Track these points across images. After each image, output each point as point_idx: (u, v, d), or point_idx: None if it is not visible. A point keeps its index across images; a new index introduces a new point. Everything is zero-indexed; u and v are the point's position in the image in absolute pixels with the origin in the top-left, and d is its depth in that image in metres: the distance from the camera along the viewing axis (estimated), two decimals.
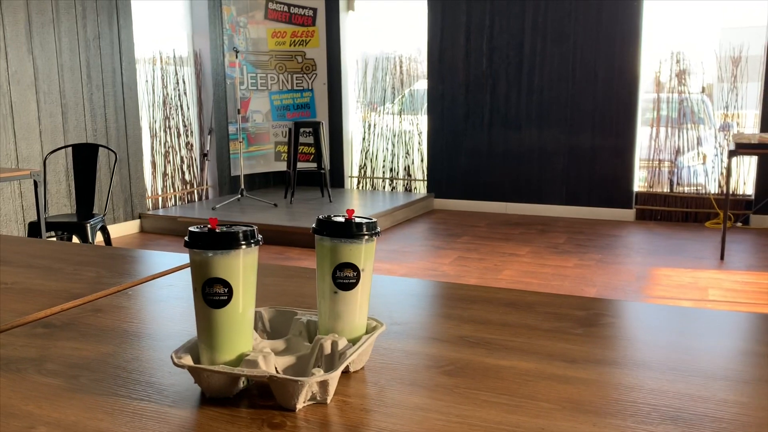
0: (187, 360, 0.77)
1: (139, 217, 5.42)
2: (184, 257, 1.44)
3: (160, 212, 5.54)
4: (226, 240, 0.75)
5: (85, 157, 3.96)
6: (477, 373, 0.83)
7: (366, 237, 0.82)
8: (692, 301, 3.41)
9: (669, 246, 4.72)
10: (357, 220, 0.83)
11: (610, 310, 1.15)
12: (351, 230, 0.81)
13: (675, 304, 3.37)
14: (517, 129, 5.96)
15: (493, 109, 6.03)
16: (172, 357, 0.76)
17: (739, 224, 5.18)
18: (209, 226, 0.77)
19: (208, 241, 0.75)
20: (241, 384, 0.78)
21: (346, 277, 0.82)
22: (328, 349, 0.80)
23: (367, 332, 0.86)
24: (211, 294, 0.76)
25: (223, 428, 0.69)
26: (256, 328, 0.88)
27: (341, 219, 0.83)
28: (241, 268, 0.76)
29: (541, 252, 4.59)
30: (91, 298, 1.16)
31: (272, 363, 0.77)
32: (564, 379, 0.82)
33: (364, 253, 0.83)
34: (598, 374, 0.83)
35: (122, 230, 5.26)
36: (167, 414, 0.72)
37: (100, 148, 4.06)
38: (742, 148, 4.07)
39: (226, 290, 0.76)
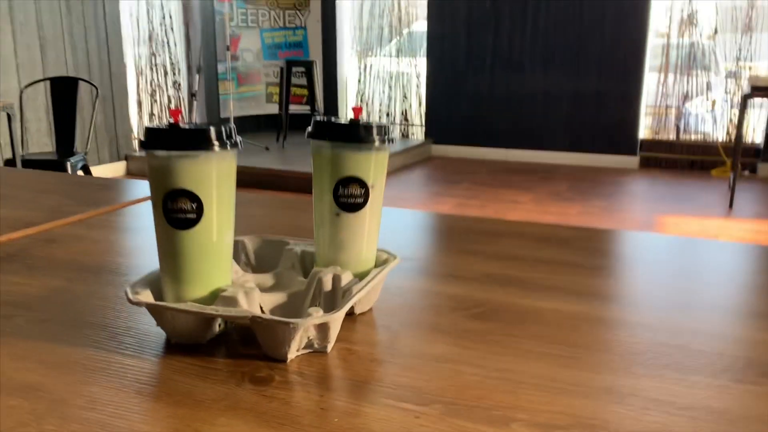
0: (146, 296, 0.60)
1: (125, 159, 5.20)
2: None
3: None
4: (193, 139, 0.57)
5: (64, 92, 3.72)
6: (513, 317, 0.66)
7: (377, 143, 0.64)
8: None
9: (675, 194, 4.56)
10: (365, 120, 0.65)
11: (660, 245, 0.98)
12: (358, 133, 0.63)
13: None
14: (521, 72, 5.71)
15: (496, 52, 5.77)
16: (126, 292, 0.59)
17: (746, 172, 5.02)
18: (171, 119, 0.58)
19: (169, 140, 0.57)
20: (217, 327, 0.61)
21: (351, 196, 0.65)
22: (328, 285, 0.63)
23: (376, 266, 0.69)
24: (176, 211, 0.58)
25: (191, 383, 0.53)
26: (237, 260, 0.70)
27: (345, 121, 0.65)
28: (214, 177, 0.58)
29: (543, 199, 4.43)
30: (45, 227, 0.98)
31: (256, 301, 0.60)
32: (625, 324, 0.65)
33: (374, 165, 0.65)
34: (668, 321, 0.66)
35: (107, 172, 5.05)
36: (120, 365, 0.56)
37: (81, 83, 3.82)
38: (758, 90, 3.86)
39: (194, 206, 0.58)
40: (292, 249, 0.71)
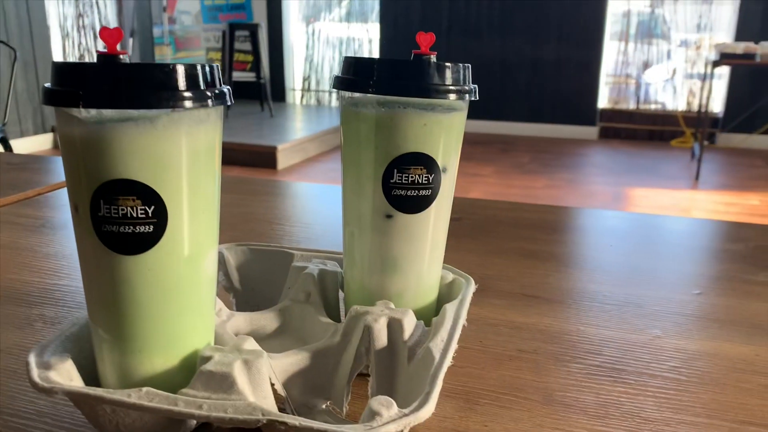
0: (66, 372, 0.33)
1: (52, 131, 4.73)
2: None
3: None
4: (148, 86, 0.30)
5: None
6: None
7: (455, 97, 0.39)
8: None
9: (639, 165, 4.46)
10: (435, 59, 0.39)
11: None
12: (428, 80, 0.38)
13: None
14: (478, 38, 5.47)
15: (452, 16, 5.50)
16: (30, 372, 0.32)
17: (705, 143, 4.97)
18: (103, 49, 0.31)
19: (101, 88, 0.30)
20: (192, 424, 0.35)
21: (412, 185, 0.39)
22: (382, 339, 0.38)
23: (440, 295, 0.44)
24: (115, 220, 0.31)
25: None
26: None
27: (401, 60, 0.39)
28: (186, 157, 0.32)
29: (506, 172, 4.25)
30: None
31: (266, 377, 0.34)
32: None
33: (449, 134, 0.40)
34: None
35: (31, 145, 4.57)
36: None
37: None
38: (726, 58, 3.75)
39: (150, 210, 0.32)
40: (305, 268, 0.45)
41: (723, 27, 5.07)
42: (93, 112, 0.30)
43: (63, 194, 0.85)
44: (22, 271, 0.59)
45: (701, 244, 0.74)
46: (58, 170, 0.99)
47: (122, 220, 0.31)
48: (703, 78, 4.42)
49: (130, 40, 5.34)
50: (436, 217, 0.41)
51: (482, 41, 5.46)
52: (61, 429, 0.36)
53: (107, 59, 0.30)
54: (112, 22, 5.26)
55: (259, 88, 5.50)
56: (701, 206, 3.46)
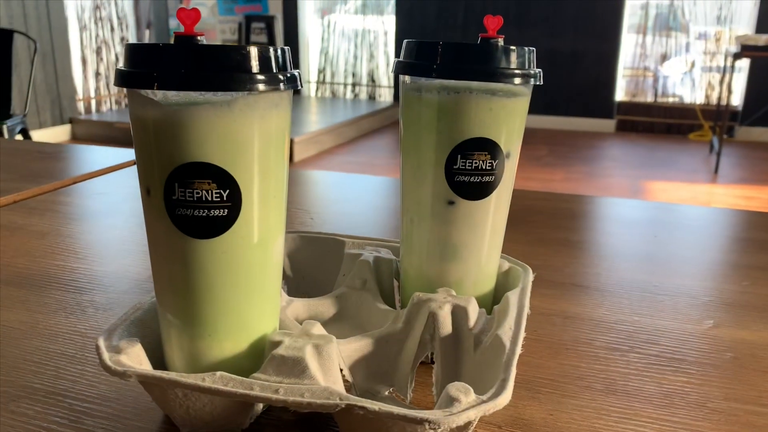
0: (136, 355, 0.33)
1: (70, 122, 4.75)
2: (124, 154, 0.96)
3: (94, 117, 4.87)
4: (226, 68, 0.30)
5: None
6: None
7: (520, 81, 0.38)
8: None
9: (657, 158, 4.42)
10: (502, 42, 0.39)
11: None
12: (494, 64, 0.37)
13: None
14: None
15: (468, 7, 5.47)
16: (102, 356, 0.32)
17: (724, 136, 4.92)
18: (181, 31, 0.31)
19: (176, 70, 0.29)
20: (259, 408, 0.35)
21: (476, 171, 0.39)
22: (447, 326, 0.37)
23: (498, 285, 0.44)
24: (190, 204, 0.31)
25: None
26: None
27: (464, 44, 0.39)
28: (258, 141, 0.32)
29: (523, 164, 4.22)
30: None
31: (336, 363, 0.34)
32: None
33: (512, 119, 0.39)
34: None
35: (50, 136, 4.61)
36: None
37: (17, 36, 3.37)
38: (747, 50, 3.70)
39: (225, 194, 0.31)
40: (360, 255, 0.45)
41: (743, 19, 5.01)
42: (170, 94, 0.30)
43: (100, 182, 0.85)
44: (68, 258, 0.59)
45: (745, 236, 0.73)
46: (90, 159, 1.00)
47: (197, 203, 0.31)
48: (723, 71, 4.37)
49: (147, 32, 5.35)
50: (498, 204, 0.40)
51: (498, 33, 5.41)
52: (127, 411, 0.36)
53: (184, 40, 0.30)
54: (129, 15, 5.28)
55: None
56: (720, 200, 3.43)
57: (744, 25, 5.00)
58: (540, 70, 0.40)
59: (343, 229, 0.70)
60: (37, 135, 4.48)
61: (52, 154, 1.00)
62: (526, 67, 0.38)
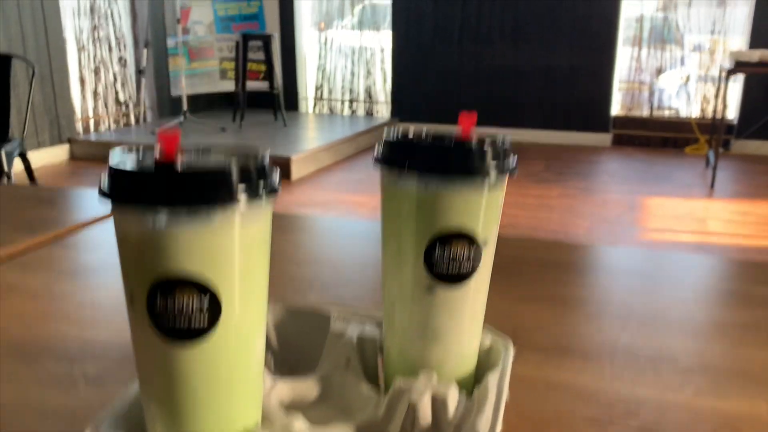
0: None
1: (69, 142, 4.77)
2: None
3: (92, 137, 4.90)
4: (203, 189, 0.31)
5: None
6: None
7: (494, 176, 0.39)
8: (695, 234, 3.13)
9: (654, 173, 4.44)
10: (477, 137, 0.40)
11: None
12: (471, 164, 0.38)
13: (676, 237, 3.10)
14: (490, 46, 5.48)
15: (464, 25, 5.51)
16: None
17: (720, 149, 4.94)
18: (160, 150, 0.32)
19: (157, 191, 0.30)
20: None
21: (453, 260, 0.40)
22: (426, 416, 0.38)
23: (480, 361, 0.45)
24: (171, 313, 0.32)
25: None
26: None
27: (441, 138, 0.40)
28: (238, 250, 0.33)
29: (520, 180, 4.24)
30: None
31: None
32: None
33: (488, 209, 0.40)
34: None
35: (49, 157, 4.62)
36: None
37: (15, 60, 3.40)
38: (741, 66, 3.73)
39: (205, 302, 0.32)
40: (344, 336, 0.46)
41: (737, 30, 5.04)
42: (150, 213, 0.31)
43: (95, 232, 0.86)
44: (60, 322, 0.60)
45: (731, 287, 0.74)
46: (86, 204, 1.01)
47: (178, 313, 0.32)
48: (717, 86, 4.40)
49: (144, 52, 5.39)
50: (476, 290, 0.41)
51: (494, 49, 5.46)
52: None
53: (163, 165, 0.31)
54: (127, 34, 5.31)
55: (272, 98, 5.53)
56: (717, 215, 3.44)
57: (738, 36, 5.04)
58: (515, 156, 0.41)
59: (333, 284, 0.71)
60: (36, 155, 4.49)
61: (49, 200, 1.01)
62: (502, 159, 0.39)
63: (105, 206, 1.05)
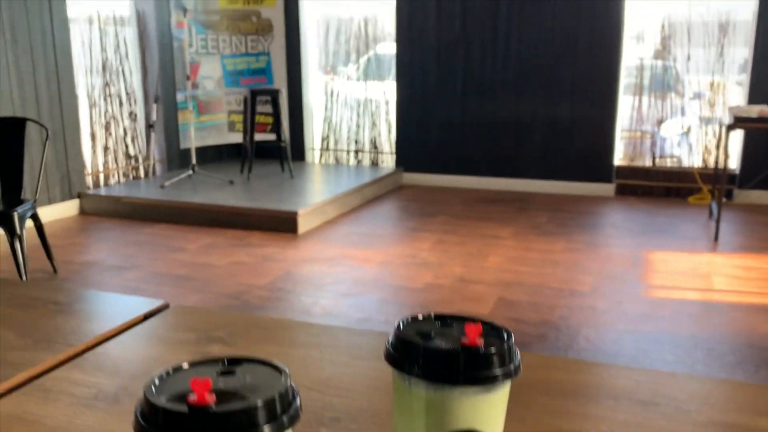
0: None
1: (78, 197, 4.85)
2: (136, 305, 0.96)
3: (102, 191, 4.97)
4: (236, 426, 0.34)
5: (9, 134, 3.39)
6: None
7: (501, 378, 0.42)
8: (698, 291, 3.15)
9: (657, 225, 4.47)
10: (483, 341, 0.43)
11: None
12: (477, 370, 0.42)
13: (680, 294, 3.11)
14: (493, 98, 5.58)
15: (467, 77, 5.63)
16: None
17: (723, 200, 4.97)
18: (192, 397, 0.35)
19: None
20: None
21: None
22: None
23: None
24: None
25: None
26: None
27: (447, 342, 0.43)
28: None
29: (524, 233, 4.27)
30: None
31: None
32: None
33: (495, 409, 0.44)
34: None
35: (59, 212, 4.69)
36: None
37: (29, 123, 3.49)
38: (740, 121, 3.79)
39: None
40: None
41: (736, 71, 5.12)
42: None
43: (113, 349, 0.89)
44: None
45: (726, 420, 0.76)
46: (107, 309, 1.04)
47: None
48: (718, 137, 4.46)
49: (155, 106, 5.51)
50: None
51: (496, 100, 5.56)
52: None
53: (197, 409, 0.34)
54: (138, 90, 5.44)
55: (280, 150, 5.63)
56: (721, 271, 3.46)
57: (738, 74, 5.12)
58: (519, 355, 0.44)
59: (344, 416, 0.73)
60: (46, 211, 4.56)
61: (67, 307, 1.05)
62: (507, 363, 0.43)
63: (124, 313, 1.07)
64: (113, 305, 1.07)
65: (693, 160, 5.31)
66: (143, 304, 0.98)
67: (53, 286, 2.67)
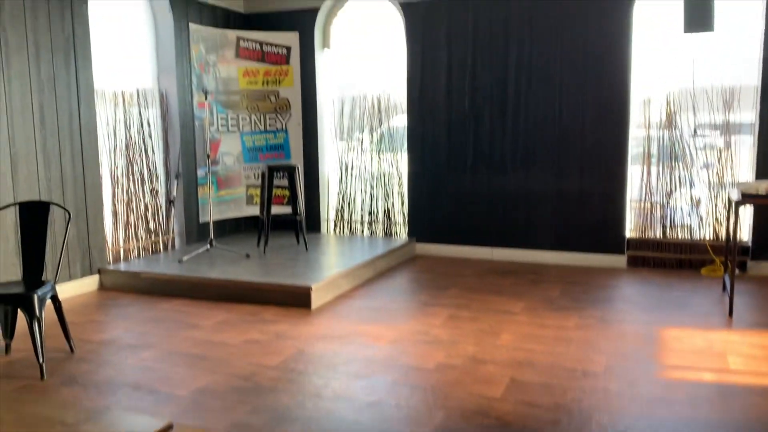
0: None
1: (98, 273, 4.97)
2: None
3: (122, 267, 5.09)
4: None
5: (33, 217, 3.53)
6: None
7: None
8: (713, 372, 3.12)
9: (670, 299, 4.46)
10: None
11: None
12: None
13: (695, 375, 3.08)
14: (502, 172, 5.69)
15: (477, 151, 5.76)
16: None
17: (737, 272, 4.95)
18: None
19: None
20: None
21: None
22: None
23: None
24: None
25: None
26: None
27: None
28: None
29: (536, 308, 4.28)
30: None
31: None
32: None
33: None
34: None
35: (79, 288, 4.80)
36: None
37: (53, 206, 3.63)
38: (748, 197, 3.83)
39: None
40: None
41: (744, 139, 5.18)
42: None
43: None
44: None
45: None
46: None
47: None
48: (728, 211, 4.49)
49: (175, 182, 5.69)
50: None
51: (507, 173, 5.67)
52: None
53: None
54: (160, 167, 5.63)
55: (295, 223, 5.75)
56: (737, 350, 3.43)
57: (746, 142, 5.17)
58: None
59: None
60: (66, 287, 4.68)
61: (74, 428, 1.11)
62: None
63: None
64: (119, 425, 1.12)
65: (704, 232, 5.31)
66: (149, 425, 1.04)
67: (62, 402, 2.74)
